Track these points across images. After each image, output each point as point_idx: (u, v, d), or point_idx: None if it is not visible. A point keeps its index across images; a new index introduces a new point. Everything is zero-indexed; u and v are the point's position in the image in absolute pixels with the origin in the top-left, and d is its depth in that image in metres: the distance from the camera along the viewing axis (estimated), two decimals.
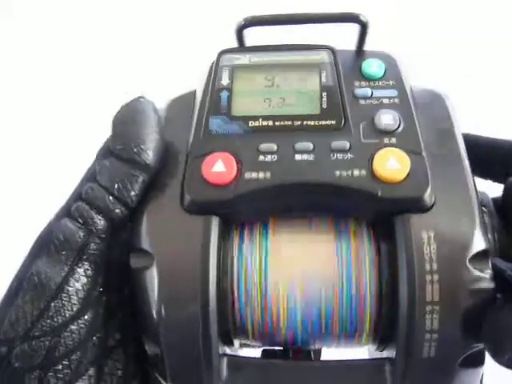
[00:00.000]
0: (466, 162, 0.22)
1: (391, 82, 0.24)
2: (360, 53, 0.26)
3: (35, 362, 0.20)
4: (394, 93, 0.24)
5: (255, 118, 0.23)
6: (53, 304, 0.20)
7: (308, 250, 0.21)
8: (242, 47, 0.26)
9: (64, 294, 0.20)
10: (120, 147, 0.22)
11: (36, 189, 0.68)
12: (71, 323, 0.20)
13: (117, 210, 0.21)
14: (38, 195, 0.67)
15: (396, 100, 0.23)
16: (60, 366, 0.20)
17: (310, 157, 0.21)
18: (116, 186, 0.21)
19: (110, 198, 0.21)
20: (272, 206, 0.22)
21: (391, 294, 0.20)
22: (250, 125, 0.23)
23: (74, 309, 0.20)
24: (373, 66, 0.25)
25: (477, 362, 0.21)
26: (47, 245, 0.21)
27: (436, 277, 0.19)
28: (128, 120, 0.22)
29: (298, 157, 0.21)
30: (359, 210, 0.22)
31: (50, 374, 0.20)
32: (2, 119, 0.71)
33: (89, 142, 0.26)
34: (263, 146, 0.22)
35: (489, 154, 0.25)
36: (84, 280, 0.21)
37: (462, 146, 0.23)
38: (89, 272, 0.21)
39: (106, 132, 0.24)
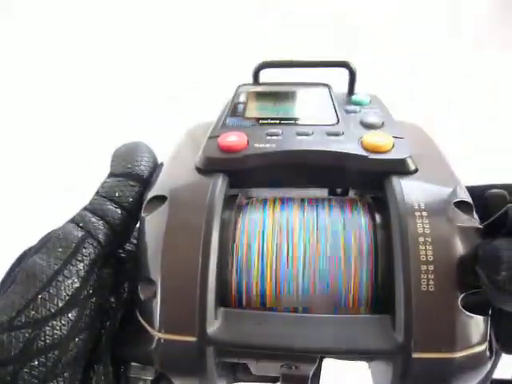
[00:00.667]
0: (446, 157, 0.25)
1: (376, 106, 0.29)
2: (351, 93, 0.32)
3: (11, 353, 0.20)
4: (378, 111, 0.28)
5: (265, 119, 0.27)
6: (40, 296, 0.20)
7: (305, 217, 0.23)
8: (256, 83, 0.33)
9: (52, 288, 0.21)
10: (117, 168, 0.25)
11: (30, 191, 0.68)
12: (53, 318, 0.21)
13: (117, 214, 0.23)
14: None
15: (380, 114, 0.28)
16: (36, 363, 0.20)
17: (309, 138, 0.25)
18: (116, 194, 0.24)
19: (111, 204, 0.24)
20: (275, 173, 0.24)
21: (386, 251, 0.21)
22: (260, 122, 0.27)
23: (60, 304, 0.21)
24: (360, 96, 0.30)
25: (480, 310, 0.20)
26: (47, 242, 0.22)
27: (425, 213, 0.21)
28: (125, 151, 0.26)
29: (299, 137, 0.25)
30: (352, 177, 0.24)
31: (25, 370, 0.20)
32: (2, 119, 0.71)
33: (88, 142, 0.26)
34: (270, 131, 0.26)
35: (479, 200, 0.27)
36: (74, 278, 0.21)
37: (442, 150, 0.26)
38: (81, 272, 0.21)
39: (105, 132, 0.25)
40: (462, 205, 0.21)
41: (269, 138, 0.25)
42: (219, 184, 0.22)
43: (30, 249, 0.23)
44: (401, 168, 0.23)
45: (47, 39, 0.75)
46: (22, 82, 0.73)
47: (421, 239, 0.20)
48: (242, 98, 0.30)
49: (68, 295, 0.21)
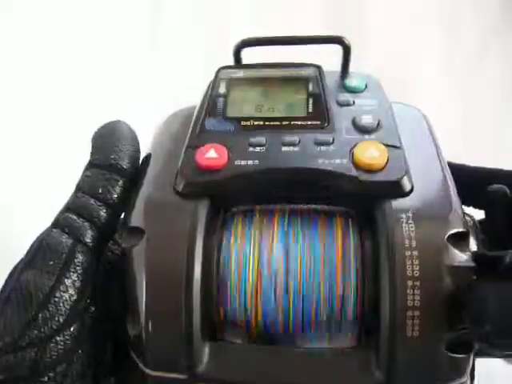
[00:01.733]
0: (444, 159, 0.24)
1: (372, 94, 0.26)
2: (344, 73, 0.29)
3: (20, 373, 0.20)
4: (374, 102, 0.26)
5: (247, 119, 0.25)
6: (40, 314, 0.20)
7: (292, 237, 0.22)
8: (238, 65, 0.29)
9: (51, 305, 0.20)
10: (99, 157, 0.24)
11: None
12: (57, 334, 0.20)
13: (102, 212, 0.22)
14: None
15: (376, 107, 0.26)
16: (45, 378, 0.20)
17: (296, 148, 0.23)
18: (100, 190, 0.23)
19: (95, 202, 0.23)
20: (259, 192, 0.23)
21: (374, 276, 0.21)
22: (242, 124, 0.25)
23: (61, 320, 0.20)
24: (354, 81, 0.27)
25: (464, 348, 0.21)
26: (36, 255, 0.21)
27: (415, 253, 0.20)
28: (105, 135, 0.25)
29: (284, 148, 0.23)
30: (341, 196, 0.23)
31: None
32: (1, 119, 0.72)
33: (88, 142, 0.27)
34: (253, 140, 0.24)
35: (467, 180, 0.26)
36: (71, 291, 0.21)
37: (438, 149, 0.25)
38: (76, 283, 0.21)
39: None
40: (455, 236, 0.20)
41: (251, 149, 0.23)
42: (200, 212, 0.21)
43: (19, 263, 0.22)
44: (394, 190, 0.22)
45: (47, 39, 0.75)
46: (21, 82, 0.73)
47: (409, 283, 0.20)
48: (222, 89, 0.27)
49: (67, 309, 0.21)
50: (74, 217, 0.22)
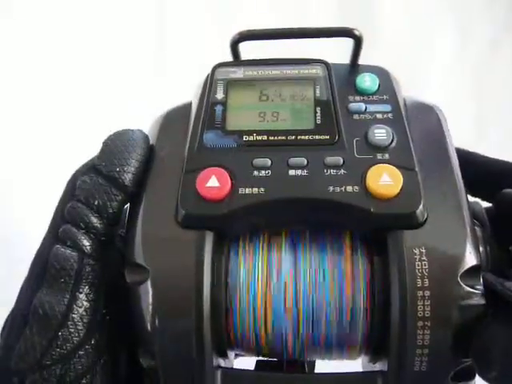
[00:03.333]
0: (459, 177, 0.22)
1: (385, 97, 0.24)
2: (354, 67, 0.26)
3: None
4: (387, 108, 0.24)
5: (249, 133, 0.23)
6: (60, 333, 0.20)
7: (301, 264, 0.22)
8: (236, 61, 0.27)
9: (70, 322, 0.21)
10: (104, 163, 0.22)
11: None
12: (79, 349, 0.21)
13: (99, 226, 0.22)
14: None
15: (389, 115, 0.23)
16: None
17: (304, 172, 0.22)
18: (96, 202, 0.22)
19: (91, 213, 0.22)
20: (266, 221, 0.22)
21: (383, 308, 0.21)
22: (244, 139, 0.23)
23: (81, 335, 0.21)
24: (367, 81, 0.25)
25: (468, 375, 0.21)
26: (44, 274, 0.21)
27: (427, 293, 0.19)
28: (118, 143, 0.23)
29: (291, 172, 0.22)
30: (352, 226, 0.22)
31: None
32: (1, 120, 0.71)
33: (88, 142, 0.26)
34: (257, 161, 0.22)
35: (479, 172, 0.26)
36: (87, 304, 0.21)
37: (454, 161, 0.23)
38: (90, 296, 0.21)
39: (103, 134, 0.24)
40: (468, 272, 0.20)
41: (256, 174, 0.21)
42: (203, 244, 0.21)
43: (26, 281, 0.22)
44: (408, 222, 0.20)
45: (47, 40, 0.75)
46: (21, 82, 0.73)
47: (419, 323, 0.19)
48: (220, 94, 0.25)
49: (86, 323, 0.21)
50: (74, 229, 0.22)
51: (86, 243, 0.22)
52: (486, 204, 0.26)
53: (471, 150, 0.27)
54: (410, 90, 0.26)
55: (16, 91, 0.71)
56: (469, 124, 0.76)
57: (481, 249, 0.22)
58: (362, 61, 0.26)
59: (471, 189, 0.25)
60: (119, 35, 0.76)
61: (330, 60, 0.26)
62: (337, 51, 0.27)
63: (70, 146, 0.66)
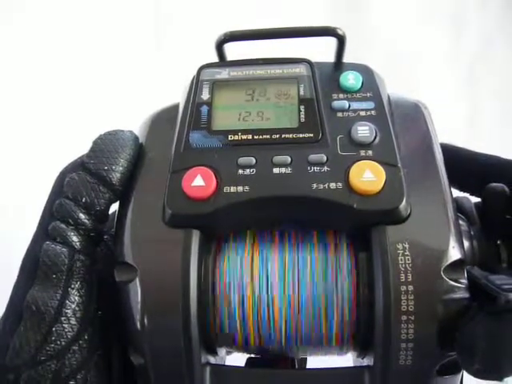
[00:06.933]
0: (443, 173, 0.23)
1: (368, 94, 0.25)
2: (338, 65, 0.26)
3: None
4: (370, 105, 0.24)
5: (234, 132, 0.24)
6: (54, 328, 0.21)
7: (287, 263, 0.22)
8: (221, 62, 0.27)
9: (63, 317, 0.21)
10: (92, 161, 0.23)
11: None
12: (73, 344, 0.21)
13: (87, 222, 0.22)
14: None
15: (373, 112, 0.24)
16: None
17: (288, 170, 0.22)
18: (84, 199, 0.22)
19: (79, 210, 0.22)
20: (251, 219, 0.22)
21: (368, 303, 0.21)
22: (229, 139, 0.23)
23: (75, 330, 0.21)
24: (350, 79, 0.25)
25: (454, 369, 0.21)
26: (36, 271, 0.21)
27: (411, 287, 0.20)
28: (108, 143, 0.24)
29: (276, 170, 0.22)
30: (336, 222, 0.22)
31: None
32: (1, 121, 0.71)
33: (85, 142, 0.26)
34: (242, 160, 0.22)
35: (466, 166, 0.26)
36: (79, 300, 0.21)
37: (439, 157, 0.23)
38: (82, 291, 0.21)
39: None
40: (452, 265, 0.20)
41: (240, 172, 0.22)
42: (190, 242, 0.21)
43: (18, 279, 0.22)
44: (391, 218, 0.21)
45: (47, 41, 0.75)
46: (21, 83, 0.73)
47: (403, 318, 0.19)
48: (206, 94, 0.25)
49: (79, 318, 0.21)
50: (63, 225, 0.22)
51: (76, 239, 0.22)
52: (476, 199, 0.26)
53: (464, 146, 0.27)
54: (403, 87, 0.27)
55: (14, 88, 0.71)
56: (462, 121, 0.77)
57: (467, 243, 0.23)
58: (358, 59, 0.27)
59: (459, 184, 0.26)
60: (117, 35, 0.76)
61: (322, 59, 0.27)
62: (332, 50, 0.27)
63: (66, 146, 0.66)
